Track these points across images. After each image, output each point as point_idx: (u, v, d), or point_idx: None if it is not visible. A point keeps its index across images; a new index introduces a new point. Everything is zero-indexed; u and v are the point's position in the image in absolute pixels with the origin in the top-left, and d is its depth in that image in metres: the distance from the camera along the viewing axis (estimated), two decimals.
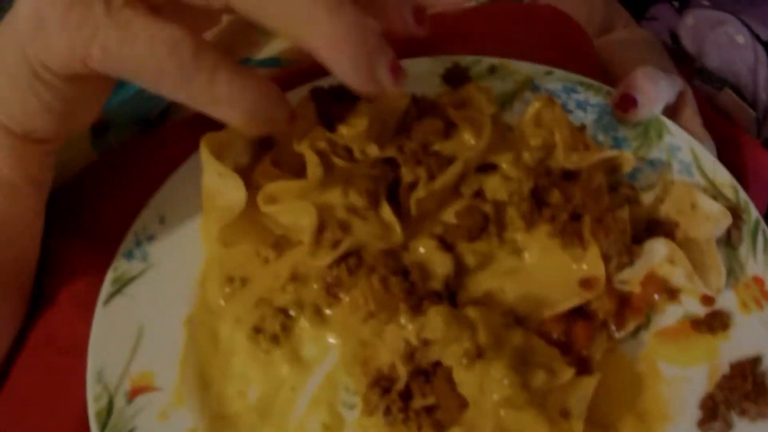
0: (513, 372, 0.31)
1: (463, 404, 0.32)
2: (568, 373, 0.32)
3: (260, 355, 0.36)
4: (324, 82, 0.41)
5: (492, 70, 0.44)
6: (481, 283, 0.36)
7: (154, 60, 0.29)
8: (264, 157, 0.40)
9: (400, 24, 0.34)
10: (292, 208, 0.36)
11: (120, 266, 0.40)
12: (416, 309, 0.33)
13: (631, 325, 0.35)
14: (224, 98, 0.30)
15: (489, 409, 0.30)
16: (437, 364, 0.33)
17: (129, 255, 0.40)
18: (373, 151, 0.38)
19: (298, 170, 0.39)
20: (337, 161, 0.37)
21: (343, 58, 0.30)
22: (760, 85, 0.64)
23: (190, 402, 0.36)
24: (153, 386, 0.36)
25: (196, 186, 0.40)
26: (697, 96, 0.50)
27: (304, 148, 0.37)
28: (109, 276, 0.39)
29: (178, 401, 0.36)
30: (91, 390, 0.36)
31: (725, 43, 0.68)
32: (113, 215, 0.43)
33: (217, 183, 0.37)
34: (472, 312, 0.32)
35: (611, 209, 0.37)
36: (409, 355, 0.32)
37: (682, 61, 0.69)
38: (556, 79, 0.44)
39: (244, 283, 0.38)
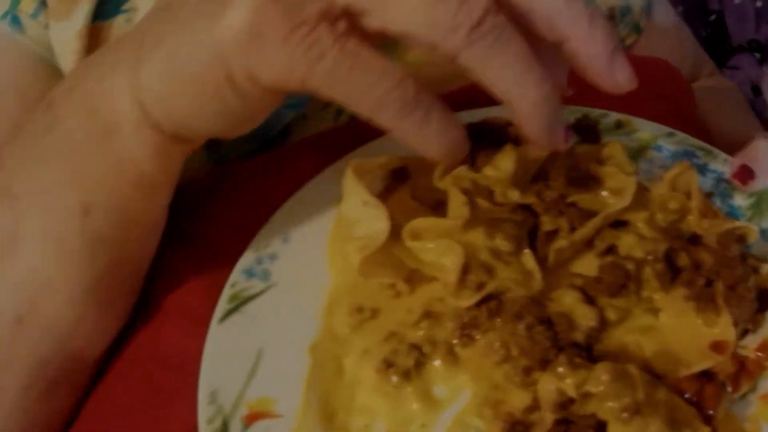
0: (668, 428, 0.31)
1: None
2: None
3: (389, 390, 0.35)
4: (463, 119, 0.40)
5: (618, 125, 0.45)
6: (618, 338, 0.36)
7: (379, 92, 0.31)
8: (396, 189, 0.40)
9: (558, 89, 0.37)
10: (438, 245, 0.36)
11: (238, 283, 0.39)
12: (569, 361, 0.33)
13: (744, 388, 0.35)
14: (433, 134, 0.32)
15: None
16: (585, 416, 0.33)
17: (249, 272, 0.39)
18: (515, 196, 0.37)
19: (434, 205, 0.39)
20: (482, 202, 0.37)
21: (539, 121, 0.34)
22: None
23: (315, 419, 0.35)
24: (273, 413, 0.35)
25: (321, 207, 0.39)
26: None
27: (448, 186, 0.37)
28: (226, 292, 0.39)
29: (302, 430, 0.35)
30: (204, 411, 0.35)
31: None
32: (229, 229, 0.42)
33: (360, 211, 0.37)
34: (632, 369, 0.32)
35: (743, 279, 0.37)
36: (562, 404, 0.32)
37: (763, 114, 0.70)
38: (677, 142, 0.45)
39: (374, 315, 0.37)
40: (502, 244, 0.37)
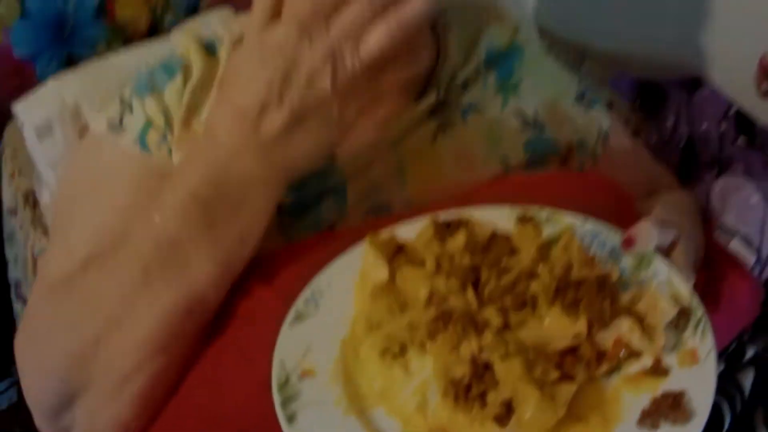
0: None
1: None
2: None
3: (385, 365, 0.60)
4: (440, 218, 0.68)
5: (548, 218, 0.70)
6: (520, 332, 0.60)
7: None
8: (396, 255, 0.67)
9: None
10: (416, 285, 0.62)
11: (299, 308, 0.65)
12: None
13: (605, 367, 0.57)
14: None
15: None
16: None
17: (306, 301, 0.66)
18: (466, 259, 0.64)
19: (419, 263, 0.65)
20: (444, 263, 0.64)
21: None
22: (766, 238, 0.88)
23: (338, 385, 0.59)
24: (315, 373, 0.61)
25: (352, 266, 0.66)
26: (710, 240, 0.74)
27: (426, 253, 0.64)
28: (291, 313, 0.65)
29: (331, 382, 0.60)
30: (276, 371, 0.60)
31: (742, 204, 0.92)
32: (296, 273, 0.68)
33: (372, 266, 0.64)
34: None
35: (601, 299, 0.61)
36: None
37: (710, 218, 0.93)
38: (589, 224, 0.69)
39: (378, 325, 0.63)
40: (455, 285, 0.62)
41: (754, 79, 1.15)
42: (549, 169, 0.84)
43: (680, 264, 0.66)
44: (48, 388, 0.71)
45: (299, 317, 0.65)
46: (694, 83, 1.19)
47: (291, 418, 0.57)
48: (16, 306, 1.32)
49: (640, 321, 0.60)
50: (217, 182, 0.66)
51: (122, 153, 0.78)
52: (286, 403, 0.58)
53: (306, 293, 0.66)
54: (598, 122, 0.91)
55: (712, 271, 0.74)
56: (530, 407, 0.53)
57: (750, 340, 0.86)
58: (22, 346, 0.74)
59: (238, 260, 0.69)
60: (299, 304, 0.65)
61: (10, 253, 1.31)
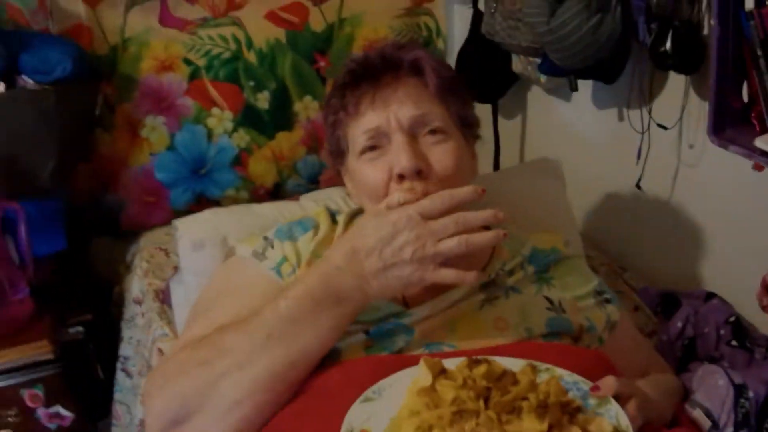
0: None
1: None
2: None
3: None
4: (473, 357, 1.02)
5: (546, 369, 1.03)
6: (506, 425, 0.91)
7: None
8: (441, 374, 1.01)
9: None
10: (446, 391, 0.96)
11: (368, 394, 0.99)
12: None
13: None
14: None
15: None
16: None
17: (373, 391, 0.99)
18: (483, 382, 0.97)
19: (453, 380, 0.99)
20: (468, 381, 0.97)
21: None
22: (725, 410, 1.16)
23: None
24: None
25: (410, 375, 1.00)
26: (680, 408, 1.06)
27: (458, 374, 0.98)
28: (362, 396, 0.98)
29: None
30: (345, 426, 0.93)
31: (712, 385, 1.21)
32: (369, 375, 1.03)
33: (423, 376, 0.98)
34: None
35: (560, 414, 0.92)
36: None
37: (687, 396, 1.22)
38: (575, 377, 1.02)
39: (417, 413, 0.95)
40: (472, 396, 0.95)
41: (757, 295, 1.46)
42: (562, 342, 1.16)
43: (628, 410, 0.98)
44: (169, 408, 0.99)
45: (367, 399, 0.99)
46: (708, 296, 1.51)
47: None
48: (119, 375, 1.65)
49: None
50: (327, 286, 1.01)
51: (261, 274, 1.18)
52: None
53: (374, 386, 1.00)
54: (608, 315, 1.23)
55: (679, 424, 1.08)
56: None
57: None
58: (155, 375, 1.08)
59: (330, 341, 1.03)
60: (368, 392, 0.99)
61: (126, 333, 1.66)
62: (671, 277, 1.69)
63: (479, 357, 1.03)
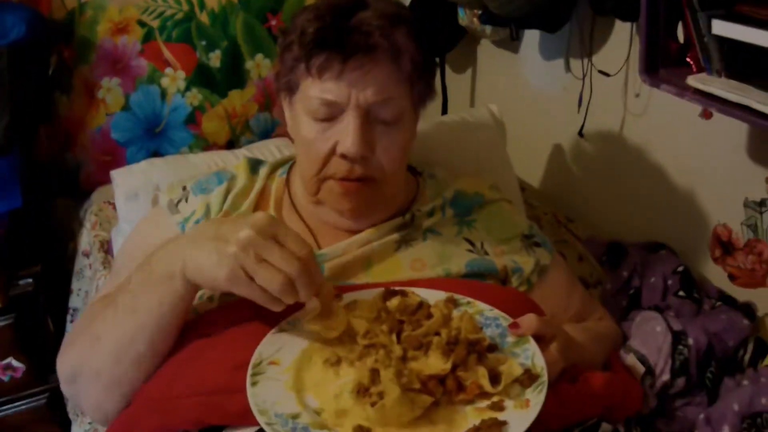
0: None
1: None
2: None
3: (324, 369, 0.91)
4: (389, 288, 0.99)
5: (468, 302, 1.01)
6: (411, 362, 0.89)
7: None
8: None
9: None
10: (360, 325, 0.94)
11: (283, 326, 0.97)
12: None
13: (461, 397, 0.86)
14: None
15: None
16: None
17: (288, 322, 0.97)
18: (397, 315, 0.95)
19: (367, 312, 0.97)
20: (382, 315, 0.95)
21: None
22: (662, 356, 1.14)
23: (290, 373, 0.90)
24: (278, 363, 0.92)
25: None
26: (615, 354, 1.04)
27: (372, 307, 0.96)
28: (277, 327, 0.97)
29: (286, 371, 0.91)
30: (255, 357, 0.91)
31: (649, 331, 1.18)
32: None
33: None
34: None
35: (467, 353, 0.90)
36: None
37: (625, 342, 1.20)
38: (495, 312, 0.99)
39: (329, 345, 0.94)
40: (384, 329, 0.93)
41: (708, 247, 1.43)
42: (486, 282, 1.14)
43: (550, 352, 0.95)
44: (63, 370, 1.06)
45: (281, 330, 0.97)
46: (655, 247, 1.47)
47: (254, 384, 0.88)
48: (69, 327, 1.66)
49: (497, 374, 0.89)
50: (159, 260, 0.99)
51: (171, 230, 1.17)
52: (254, 375, 0.89)
53: (290, 318, 0.98)
54: (537, 259, 1.19)
55: (611, 370, 1.08)
56: (391, 399, 0.83)
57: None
58: (66, 339, 1.12)
59: (171, 314, 0.99)
60: (283, 323, 0.97)
61: (75, 285, 1.68)
62: (619, 227, 1.66)
63: (396, 288, 1.00)
